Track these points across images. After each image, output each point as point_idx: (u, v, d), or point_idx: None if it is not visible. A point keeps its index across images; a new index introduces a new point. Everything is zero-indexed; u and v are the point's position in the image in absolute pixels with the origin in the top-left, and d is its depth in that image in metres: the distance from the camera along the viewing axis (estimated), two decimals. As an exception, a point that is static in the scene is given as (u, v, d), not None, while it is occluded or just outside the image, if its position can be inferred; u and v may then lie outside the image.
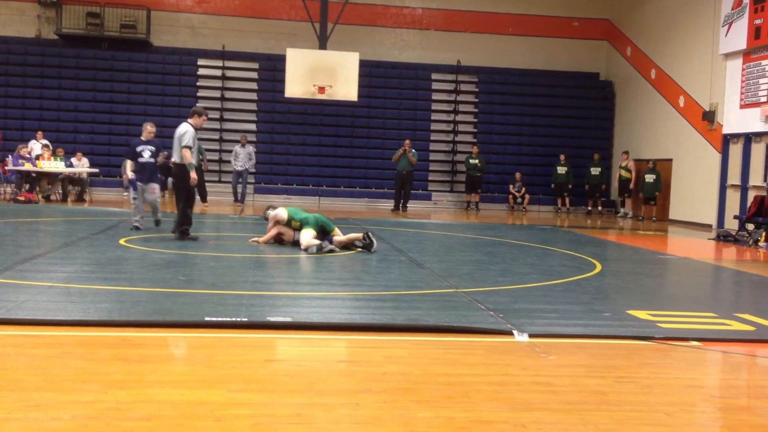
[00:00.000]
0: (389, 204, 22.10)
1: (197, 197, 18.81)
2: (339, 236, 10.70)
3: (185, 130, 10.96)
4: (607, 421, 3.96)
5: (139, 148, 12.10)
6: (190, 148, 10.91)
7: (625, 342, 5.79)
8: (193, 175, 10.95)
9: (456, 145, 24.48)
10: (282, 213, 10.80)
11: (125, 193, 12.56)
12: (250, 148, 20.75)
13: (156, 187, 12.24)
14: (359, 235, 10.74)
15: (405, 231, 14.41)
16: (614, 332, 6.03)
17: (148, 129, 12.29)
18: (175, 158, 11.19)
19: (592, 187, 23.09)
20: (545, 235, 14.75)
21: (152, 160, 12.15)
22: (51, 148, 19.67)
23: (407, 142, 21.18)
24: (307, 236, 10.37)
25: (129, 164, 12.33)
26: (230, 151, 21.02)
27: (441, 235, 14.64)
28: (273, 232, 10.83)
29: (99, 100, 23.09)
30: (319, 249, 10.10)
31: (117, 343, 5.23)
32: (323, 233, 10.57)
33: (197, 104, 23.40)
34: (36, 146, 19.76)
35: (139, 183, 12.08)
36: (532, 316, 6.49)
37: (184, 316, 5.93)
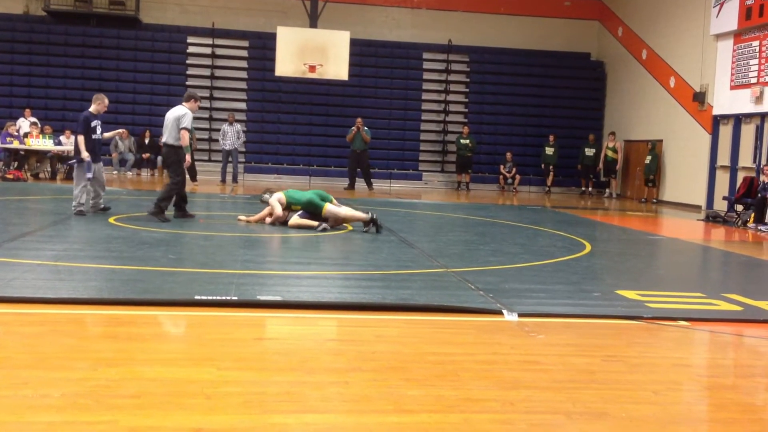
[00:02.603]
0: (379, 183, 22.08)
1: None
2: (338, 209, 10.57)
3: (185, 112, 10.73)
4: (595, 400, 4.00)
5: (93, 123, 10.93)
6: (189, 131, 10.79)
7: (614, 321, 5.83)
8: (189, 158, 10.94)
9: (447, 125, 24.41)
10: (282, 198, 10.73)
11: (88, 174, 10.84)
12: (239, 126, 20.49)
13: (101, 165, 11.35)
14: (364, 217, 10.51)
15: (395, 211, 14.41)
16: (603, 312, 6.08)
17: (105, 102, 11.12)
18: (168, 140, 10.79)
19: (586, 167, 23.08)
20: (535, 216, 14.78)
21: (101, 136, 11.21)
22: (39, 125, 19.53)
23: (359, 120, 20.62)
24: (296, 217, 10.48)
25: (82, 141, 10.79)
26: (219, 130, 20.82)
27: (431, 215, 14.65)
28: (264, 212, 10.79)
29: (88, 78, 22.85)
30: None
31: (106, 321, 5.23)
32: (314, 211, 10.48)
33: (187, 84, 23.30)
34: (24, 124, 19.60)
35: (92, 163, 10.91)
36: (522, 295, 6.53)
37: (174, 294, 5.93)
